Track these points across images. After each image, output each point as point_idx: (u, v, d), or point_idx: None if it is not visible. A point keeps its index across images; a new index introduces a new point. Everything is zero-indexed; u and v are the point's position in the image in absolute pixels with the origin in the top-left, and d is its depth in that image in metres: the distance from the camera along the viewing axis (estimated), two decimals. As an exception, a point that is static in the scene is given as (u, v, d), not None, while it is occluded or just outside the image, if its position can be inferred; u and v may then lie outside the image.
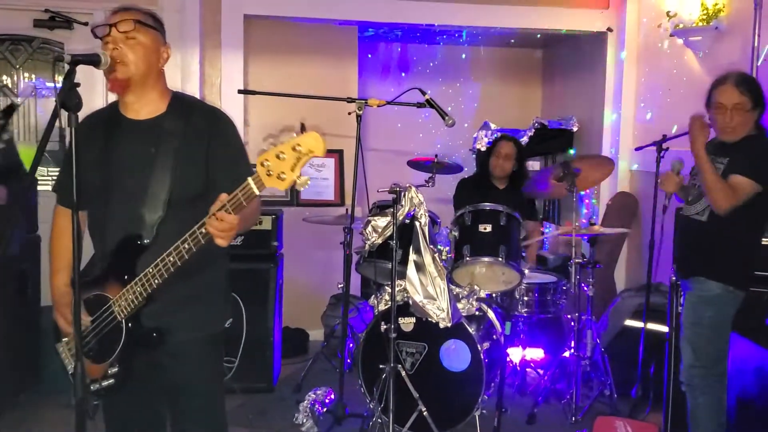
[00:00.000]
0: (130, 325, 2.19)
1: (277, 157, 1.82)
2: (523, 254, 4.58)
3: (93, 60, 2.19)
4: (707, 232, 3.20)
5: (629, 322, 4.46)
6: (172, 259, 2.07)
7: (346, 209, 4.15)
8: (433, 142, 6.37)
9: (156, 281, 2.11)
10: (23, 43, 5.13)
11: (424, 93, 3.73)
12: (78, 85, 2.05)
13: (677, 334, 3.45)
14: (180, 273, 2.13)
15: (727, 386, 3.17)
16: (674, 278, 3.57)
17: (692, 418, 3.27)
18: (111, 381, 2.24)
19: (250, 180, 1.89)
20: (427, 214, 3.62)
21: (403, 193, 3.54)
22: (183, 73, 5.09)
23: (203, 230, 2.00)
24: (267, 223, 4.45)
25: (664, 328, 4.01)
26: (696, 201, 3.27)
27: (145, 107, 2.27)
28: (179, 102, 2.32)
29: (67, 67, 2.01)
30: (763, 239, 3.22)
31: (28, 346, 4.25)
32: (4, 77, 5.14)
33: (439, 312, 3.58)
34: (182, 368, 2.32)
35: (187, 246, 2.05)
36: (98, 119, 2.32)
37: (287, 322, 5.15)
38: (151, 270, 2.11)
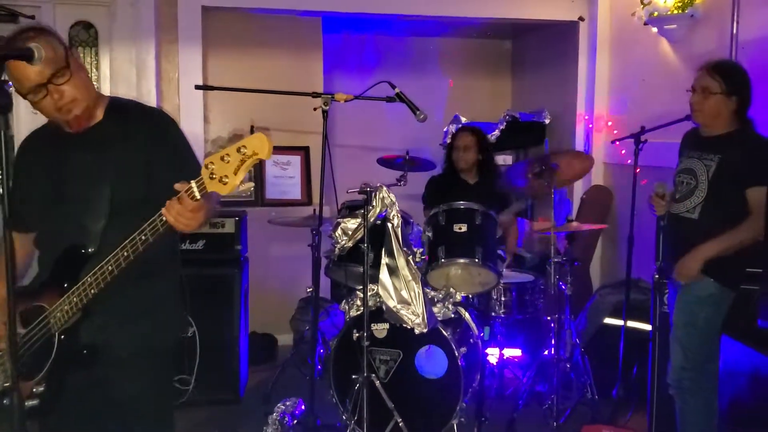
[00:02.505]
0: (62, 337, 2.09)
1: (222, 159, 1.74)
2: (501, 252, 4.43)
3: (25, 54, 1.98)
4: (700, 230, 3.10)
5: (608, 320, 4.33)
6: (110, 267, 1.99)
7: (314, 209, 3.96)
8: (403, 137, 6.15)
9: (92, 291, 2.02)
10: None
11: (393, 87, 3.54)
12: (6, 82, 1.85)
13: (661, 335, 3.32)
14: (122, 285, 2.04)
15: (718, 389, 3.07)
16: (657, 276, 3.45)
17: (681, 421, 3.16)
18: (35, 402, 2.11)
19: (192, 183, 1.81)
20: (399, 215, 3.45)
21: (373, 194, 3.36)
22: (138, 69, 4.84)
23: (143, 236, 1.93)
24: (230, 226, 4.23)
25: (645, 326, 3.90)
26: (685, 198, 3.17)
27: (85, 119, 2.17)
28: (115, 107, 2.24)
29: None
30: None
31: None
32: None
33: (413, 317, 3.42)
34: (125, 387, 2.20)
35: (125, 254, 1.96)
36: (40, 136, 2.29)
37: (254, 327, 4.94)
38: (89, 279, 2.02)
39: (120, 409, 2.23)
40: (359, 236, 3.47)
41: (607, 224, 5.01)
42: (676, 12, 4.46)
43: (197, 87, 4.17)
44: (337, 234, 3.60)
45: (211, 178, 1.75)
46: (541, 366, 4.19)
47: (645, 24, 4.71)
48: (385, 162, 4.57)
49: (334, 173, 3.60)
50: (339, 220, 3.63)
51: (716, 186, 3.05)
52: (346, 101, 3.53)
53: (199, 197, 1.80)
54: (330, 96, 3.52)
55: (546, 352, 4.11)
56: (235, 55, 5.29)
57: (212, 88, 4.04)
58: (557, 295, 3.92)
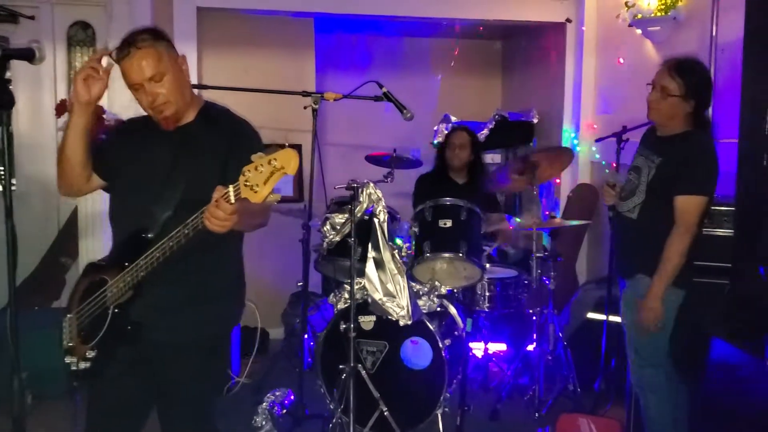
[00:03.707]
0: (116, 311, 2.26)
1: (256, 168, 1.85)
2: (489, 249, 4.54)
3: (26, 55, 2.09)
4: (639, 229, 3.08)
5: (591, 315, 4.44)
6: (157, 254, 2.14)
7: (304, 205, 4.07)
8: (394, 135, 6.26)
9: (141, 273, 2.18)
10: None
11: (381, 86, 3.66)
12: (9, 81, 1.97)
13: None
14: (180, 274, 2.23)
15: (685, 383, 3.07)
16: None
17: (647, 418, 3.17)
18: (87, 364, 2.31)
19: (230, 187, 1.92)
20: (385, 211, 3.55)
21: (360, 189, 3.46)
22: (134, 68, 4.93)
23: (186, 230, 2.07)
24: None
25: (626, 321, 4.00)
26: (628, 197, 3.15)
27: (174, 121, 2.34)
28: (207, 113, 2.40)
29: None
30: (703, 230, 3.09)
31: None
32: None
33: (399, 310, 3.52)
34: (168, 370, 2.35)
35: (170, 244, 2.11)
36: (137, 124, 2.48)
37: (246, 321, 5.04)
38: (141, 262, 2.17)
39: (160, 390, 2.38)
40: (347, 231, 3.57)
41: (591, 221, 5.11)
42: (659, 14, 4.56)
43: (193, 86, 4.28)
44: (325, 229, 3.71)
45: (246, 185, 1.86)
46: (524, 359, 4.31)
47: (629, 26, 4.82)
48: (372, 159, 4.67)
49: (326, 171, 3.72)
50: (327, 215, 3.73)
51: (653, 189, 3.02)
52: (335, 100, 3.65)
53: (233, 201, 1.91)
54: (319, 95, 3.65)
55: (530, 346, 4.22)
56: (229, 55, 5.38)
57: (205, 87, 4.14)
58: (539, 289, 4.03)
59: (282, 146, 1.92)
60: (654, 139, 3.15)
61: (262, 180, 1.84)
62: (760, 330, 2.54)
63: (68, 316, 2.41)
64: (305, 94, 3.65)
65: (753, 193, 2.76)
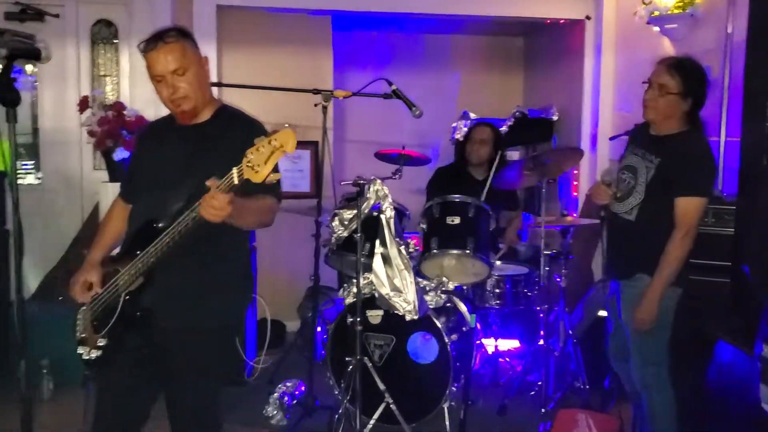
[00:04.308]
0: (127, 298, 2.34)
1: (257, 149, 1.94)
2: (500, 245, 4.57)
3: (32, 53, 2.19)
4: (638, 231, 3.03)
5: (603, 313, 4.43)
6: (167, 239, 2.21)
7: (317, 201, 4.14)
8: (415, 133, 6.31)
9: (151, 260, 2.26)
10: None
11: (390, 83, 3.71)
12: (14, 80, 2.06)
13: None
14: (189, 264, 2.31)
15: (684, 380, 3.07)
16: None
17: (650, 417, 3.14)
18: (98, 353, 2.39)
19: (234, 170, 2.00)
20: (392, 207, 3.59)
21: (367, 186, 3.51)
22: (156, 65, 5.04)
23: (193, 213, 2.13)
24: (238, 216, 4.41)
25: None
26: (624, 198, 3.08)
27: (191, 116, 2.46)
28: (223, 112, 2.51)
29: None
30: (709, 228, 3.08)
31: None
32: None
33: (405, 305, 3.56)
34: (176, 357, 2.42)
35: (179, 229, 2.18)
36: (158, 125, 2.64)
37: (262, 314, 5.12)
38: (151, 249, 2.25)
39: (168, 377, 2.44)
40: (354, 226, 3.62)
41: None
42: (676, 11, 4.56)
43: (211, 84, 4.38)
44: (334, 224, 3.77)
45: (248, 166, 1.95)
46: (534, 356, 4.32)
47: (647, 23, 4.80)
48: (382, 157, 4.72)
49: (347, 167, 3.77)
50: (336, 210, 3.80)
51: (652, 190, 2.98)
52: (344, 98, 3.72)
53: (237, 182, 2.00)
54: (329, 92, 3.71)
55: (541, 342, 4.24)
56: (249, 52, 5.46)
57: (222, 85, 4.24)
58: (547, 287, 4.05)
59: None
60: (649, 138, 3.10)
61: (263, 160, 1.92)
62: (752, 328, 2.54)
63: (82, 308, 2.51)
64: (315, 91, 3.71)
65: (753, 192, 2.75)
